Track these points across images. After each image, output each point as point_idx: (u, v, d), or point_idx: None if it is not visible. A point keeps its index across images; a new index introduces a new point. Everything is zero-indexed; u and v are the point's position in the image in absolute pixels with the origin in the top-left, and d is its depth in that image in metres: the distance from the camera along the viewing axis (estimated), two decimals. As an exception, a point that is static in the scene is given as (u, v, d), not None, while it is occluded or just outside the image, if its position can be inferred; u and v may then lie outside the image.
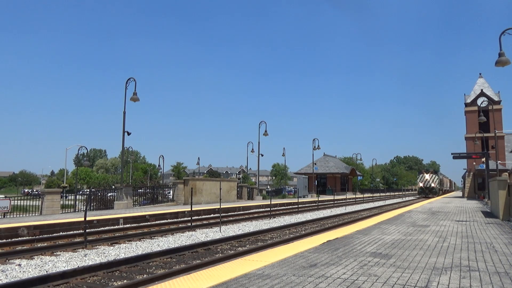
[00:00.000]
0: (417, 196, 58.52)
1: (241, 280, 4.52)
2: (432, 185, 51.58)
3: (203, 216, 19.58)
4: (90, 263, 8.33)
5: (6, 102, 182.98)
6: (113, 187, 36.12)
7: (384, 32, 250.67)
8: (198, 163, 64.45)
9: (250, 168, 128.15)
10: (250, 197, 38.17)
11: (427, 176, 51.96)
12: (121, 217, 16.40)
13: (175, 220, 18.33)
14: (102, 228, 14.35)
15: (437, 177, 52.52)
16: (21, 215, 19.29)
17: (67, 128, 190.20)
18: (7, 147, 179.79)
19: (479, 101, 48.41)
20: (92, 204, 22.95)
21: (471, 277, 4.68)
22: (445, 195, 63.09)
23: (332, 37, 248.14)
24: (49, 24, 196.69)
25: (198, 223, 16.07)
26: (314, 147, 48.46)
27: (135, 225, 15.95)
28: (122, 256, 9.19)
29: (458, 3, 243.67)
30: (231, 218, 18.93)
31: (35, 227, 13.17)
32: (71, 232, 13.54)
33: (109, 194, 26.10)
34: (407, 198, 54.22)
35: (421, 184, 52.71)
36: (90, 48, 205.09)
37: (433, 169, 59.33)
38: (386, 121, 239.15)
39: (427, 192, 51.63)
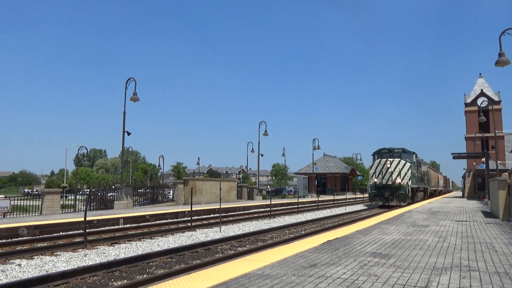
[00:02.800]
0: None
1: (241, 280, 4.52)
2: (398, 181, 27.02)
3: (203, 216, 19.58)
4: (90, 263, 8.33)
5: (6, 102, 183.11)
6: (113, 187, 36.13)
7: (384, 32, 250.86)
8: (198, 163, 64.50)
9: (250, 168, 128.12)
10: (250, 197, 38.18)
11: (388, 164, 27.71)
12: (121, 217, 16.40)
13: (175, 220, 18.33)
14: (102, 228, 14.35)
15: (409, 164, 27.49)
16: (21, 215, 19.28)
17: (67, 128, 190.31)
18: (7, 147, 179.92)
19: (479, 101, 48.45)
20: (92, 204, 22.94)
21: (471, 277, 4.68)
22: (442, 196, 53.58)
23: (331, 36, 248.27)
24: (49, 24, 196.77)
25: (198, 223, 16.07)
26: (314, 147, 48.48)
27: (135, 225, 15.95)
28: (122, 256, 9.19)
29: (458, 3, 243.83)
30: (231, 218, 18.93)
31: (35, 227, 13.17)
32: (71, 232, 13.54)
33: (109, 194, 26.11)
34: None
35: (375, 180, 27.99)
36: (90, 48, 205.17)
37: (403, 148, 29.56)
38: (386, 121, 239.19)
39: (387, 196, 27.20)
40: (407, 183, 27.20)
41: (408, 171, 27.50)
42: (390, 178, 27.50)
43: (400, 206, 25.39)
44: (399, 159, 27.92)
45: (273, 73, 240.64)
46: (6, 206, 18.68)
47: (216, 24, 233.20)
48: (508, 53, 13.82)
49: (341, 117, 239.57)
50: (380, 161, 28.43)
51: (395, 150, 28.97)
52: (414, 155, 29.81)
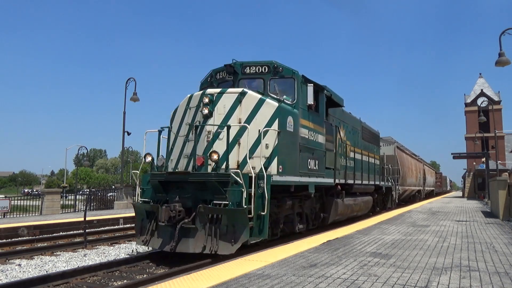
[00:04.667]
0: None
1: (241, 280, 4.52)
2: (216, 157, 7.38)
3: (203, 216, 19.53)
4: (90, 263, 8.31)
5: (6, 102, 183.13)
6: (113, 187, 36.10)
7: (383, 32, 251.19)
8: (198, 163, 64.23)
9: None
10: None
11: (206, 104, 7.98)
12: (121, 217, 16.40)
13: (175, 220, 18.29)
14: (102, 228, 14.34)
15: (274, 105, 7.99)
16: (21, 215, 19.28)
17: (67, 128, 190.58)
18: (7, 147, 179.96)
19: (479, 101, 48.48)
20: (92, 204, 22.93)
21: (471, 277, 4.68)
22: (441, 196, 50.04)
23: (331, 37, 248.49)
24: (49, 24, 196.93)
25: (198, 223, 16.03)
26: (314, 147, 48.00)
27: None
28: (122, 256, 9.19)
29: (458, 2, 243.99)
30: (231, 218, 18.88)
31: (35, 227, 13.16)
32: (71, 232, 13.53)
33: (109, 194, 26.09)
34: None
35: (156, 161, 9.02)
36: (90, 48, 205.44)
37: (270, 62, 8.98)
38: (386, 121, 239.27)
39: (177, 217, 7.24)
40: (261, 166, 7.63)
41: (272, 124, 8.08)
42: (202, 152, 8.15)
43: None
44: (242, 92, 8.40)
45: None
46: (6, 206, 18.68)
47: (216, 24, 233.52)
48: (508, 53, 13.84)
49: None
50: (190, 98, 8.95)
51: (247, 70, 9.75)
52: (311, 86, 9.80)
